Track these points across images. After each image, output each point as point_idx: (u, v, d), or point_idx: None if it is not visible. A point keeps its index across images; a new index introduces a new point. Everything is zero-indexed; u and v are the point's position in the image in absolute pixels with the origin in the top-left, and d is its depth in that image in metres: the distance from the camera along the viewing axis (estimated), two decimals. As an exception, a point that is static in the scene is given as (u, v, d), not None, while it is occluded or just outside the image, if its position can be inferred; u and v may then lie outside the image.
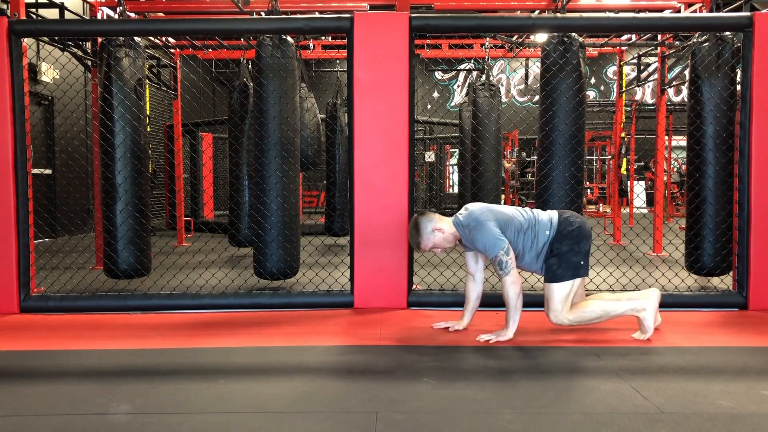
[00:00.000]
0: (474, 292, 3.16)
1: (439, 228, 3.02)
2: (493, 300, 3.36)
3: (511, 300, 2.92)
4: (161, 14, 6.37)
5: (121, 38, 3.96)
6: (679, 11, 5.91)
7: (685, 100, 6.08)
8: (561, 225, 3.00)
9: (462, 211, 3.09)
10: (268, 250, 4.00)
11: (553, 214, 3.07)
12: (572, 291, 2.95)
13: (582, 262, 2.97)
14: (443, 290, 3.85)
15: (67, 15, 5.16)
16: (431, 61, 13.63)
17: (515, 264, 2.94)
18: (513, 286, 2.90)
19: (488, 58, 6.53)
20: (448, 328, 3.18)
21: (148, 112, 4.57)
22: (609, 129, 13.43)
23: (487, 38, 6.76)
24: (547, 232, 2.99)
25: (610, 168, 13.04)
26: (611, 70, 16.21)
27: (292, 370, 2.59)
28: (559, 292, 2.93)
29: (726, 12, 5.19)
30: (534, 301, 3.45)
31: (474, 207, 3.06)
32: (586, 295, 3.16)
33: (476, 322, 3.21)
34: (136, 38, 4.06)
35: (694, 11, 5.77)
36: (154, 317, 3.57)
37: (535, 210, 3.12)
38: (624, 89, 7.41)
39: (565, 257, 2.94)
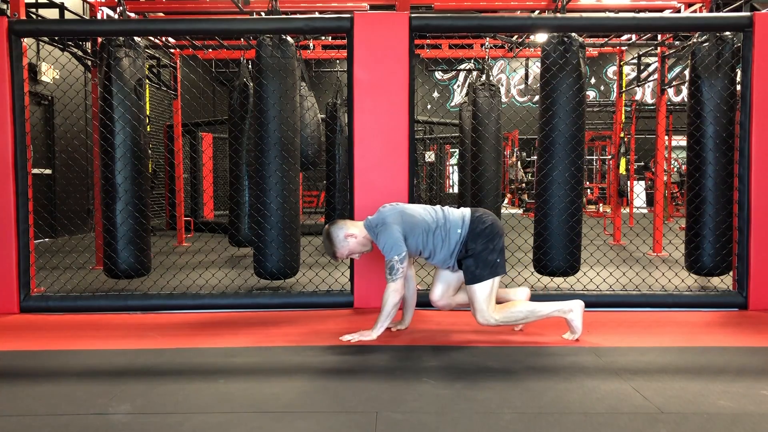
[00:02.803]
0: (409, 290, 3.18)
1: (351, 234, 3.02)
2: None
3: (387, 306, 2.92)
4: (161, 14, 6.37)
5: (121, 38, 3.96)
6: (679, 11, 5.91)
7: (685, 100, 6.08)
8: (473, 224, 2.99)
9: (376, 212, 3.10)
10: (268, 250, 4.00)
11: (465, 212, 3.06)
12: (494, 289, 2.95)
13: (498, 260, 2.97)
14: (443, 290, 3.84)
15: (67, 15, 5.16)
16: (431, 61, 13.63)
17: (406, 274, 2.97)
18: (394, 294, 2.91)
19: (488, 58, 6.53)
20: (390, 329, 3.19)
21: (148, 112, 4.57)
22: (609, 129, 13.44)
23: (487, 38, 6.76)
24: (459, 231, 2.99)
25: (610, 168, 13.04)
26: (611, 70, 16.23)
27: (292, 370, 2.59)
28: (481, 292, 2.93)
29: (726, 12, 5.19)
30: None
31: (384, 208, 3.07)
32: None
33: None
34: (136, 38, 4.07)
35: (694, 11, 5.77)
36: (154, 317, 3.57)
37: (446, 208, 3.11)
38: (624, 89, 7.40)
39: (480, 257, 2.94)
